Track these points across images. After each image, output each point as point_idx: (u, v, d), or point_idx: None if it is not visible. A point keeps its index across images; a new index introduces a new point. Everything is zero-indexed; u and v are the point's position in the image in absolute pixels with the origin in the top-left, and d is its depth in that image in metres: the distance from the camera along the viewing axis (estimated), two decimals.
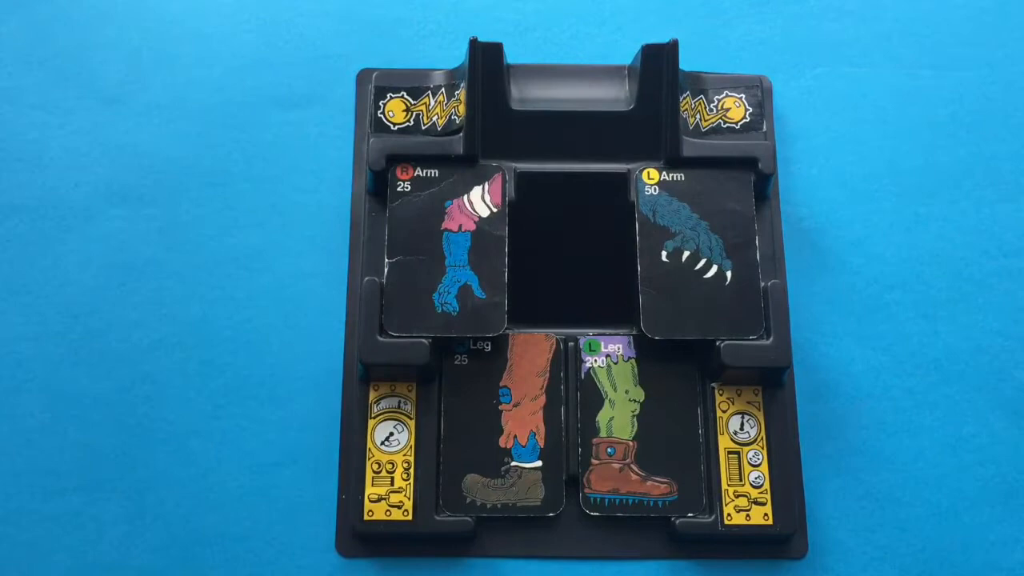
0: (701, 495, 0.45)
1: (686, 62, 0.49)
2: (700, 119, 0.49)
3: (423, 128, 0.49)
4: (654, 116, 0.48)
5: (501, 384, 0.46)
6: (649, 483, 0.45)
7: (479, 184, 0.47)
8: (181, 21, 0.53)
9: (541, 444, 0.45)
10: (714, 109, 0.50)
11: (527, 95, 0.49)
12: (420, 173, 0.47)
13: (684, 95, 0.49)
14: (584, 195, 0.48)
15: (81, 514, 0.45)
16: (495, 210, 0.47)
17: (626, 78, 0.50)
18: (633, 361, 0.46)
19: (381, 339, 0.44)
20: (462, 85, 0.48)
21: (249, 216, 0.50)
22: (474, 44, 0.47)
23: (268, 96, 0.52)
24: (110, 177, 0.50)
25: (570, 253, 0.48)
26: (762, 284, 0.46)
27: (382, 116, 0.49)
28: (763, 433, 0.45)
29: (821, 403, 0.47)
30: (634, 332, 0.47)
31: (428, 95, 0.49)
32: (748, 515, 0.44)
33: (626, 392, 0.46)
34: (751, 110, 0.50)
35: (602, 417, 0.45)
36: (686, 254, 0.46)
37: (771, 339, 0.45)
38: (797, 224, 0.50)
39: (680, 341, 0.45)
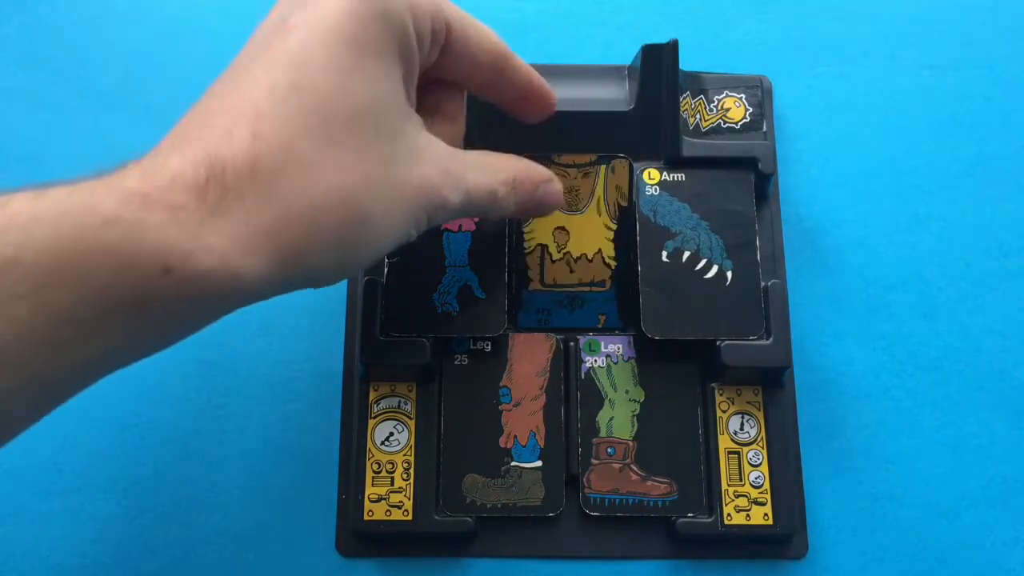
0: (701, 495, 0.45)
1: (686, 62, 0.49)
2: (700, 119, 0.49)
3: None
4: (654, 116, 0.48)
5: (501, 384, 0.46)
6: (649, 483, 0.45)
7: None
8: (181, 21, 0.53)
9: (541, 444, 0.45)
10: (714, 109, 0.50)
11: None
12: None
13: (684, 95, 0.49)
14: None
15: (81, 514, 0.45)
16: None
17: (626, 78, 0.50)
18: (633, 361, 0.46)
19: (381, 339, 0.44)
20: None
21: None
22: None
23: None
24: None
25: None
26: (762, 284, 0.46)
27: None
28: (763, 433, 0.45)
29: (821, 403, 0.47)
30: (634, 332, 0.47)
31: None
32: (748, 515, 0.44)
33: (626, 392, 0.46)
34: (751, 110, 0.50)
35: (602, 417, 0.45)
36: (686, 254, 0.46)
37: (771, 339, 0.45)
38: (797, 224, 0.50)
39: (680, 341, 0.45)
